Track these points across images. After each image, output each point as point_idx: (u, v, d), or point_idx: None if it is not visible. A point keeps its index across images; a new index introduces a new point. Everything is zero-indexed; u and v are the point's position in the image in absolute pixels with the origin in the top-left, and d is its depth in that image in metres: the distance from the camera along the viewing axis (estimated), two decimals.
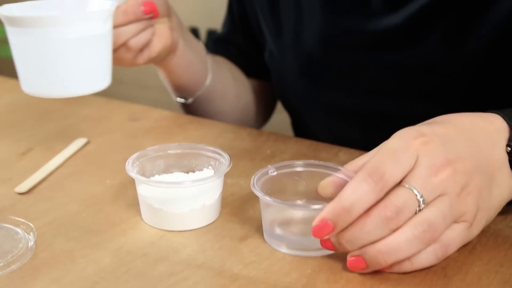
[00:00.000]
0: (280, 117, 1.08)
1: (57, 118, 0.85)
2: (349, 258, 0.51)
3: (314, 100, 0.84)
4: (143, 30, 0.73)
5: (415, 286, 0.51)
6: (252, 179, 0.57)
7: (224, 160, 0.61)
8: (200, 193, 0.58)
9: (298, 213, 0.57)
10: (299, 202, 0.60)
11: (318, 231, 0.50)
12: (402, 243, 0.49)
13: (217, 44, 0.96)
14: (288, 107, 0.92)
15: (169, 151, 0.64)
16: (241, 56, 0.95)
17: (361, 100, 0.80)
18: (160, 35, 0.75)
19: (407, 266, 0.51)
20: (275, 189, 0.58)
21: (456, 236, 0.51)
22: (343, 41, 0.79)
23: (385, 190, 0.50)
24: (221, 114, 0.89)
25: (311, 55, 0.82)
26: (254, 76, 0.96)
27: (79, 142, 0.76)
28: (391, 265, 0.51)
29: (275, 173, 0.59)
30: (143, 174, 0.61)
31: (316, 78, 0.82)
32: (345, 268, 0.53)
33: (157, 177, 0.62)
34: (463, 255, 0.55)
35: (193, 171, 0.63)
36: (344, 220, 0.50)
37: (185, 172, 0.63)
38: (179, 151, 0.64)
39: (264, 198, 0.55)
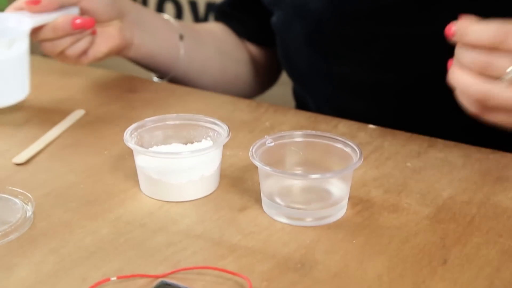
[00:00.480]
0: (281, 90, 1.07)
1: (55, 90, 0.85)
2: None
3: (319, 70, 0.83)
4: (78, 40, 0.76)
5: (414, 257, 0.51)
6: (250, 149, 0.56)
7: (223, 131, 0.61)
8: (199, 164, 0.58)
9: (297, 183, 0.57)
10: (297, 172, 0.59)
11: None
12: None
13: (219, 10, 0.95)
14: (291, 75, 0.91)
15: (167, 122, 0.63)
16: (243, 23, 0.94)
17: (368, 72, 0.79)
18: (107, 37, 0.78)
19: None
20: (273, 160, 0.58)
21: None
22: (354, 10, 0.78)
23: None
24: (203, 88, 0.88)
25: (319, 23, 0.81)
26: (257, 43, 0.95)
27: (77, 114, 0.76)
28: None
29: (273, 143, 0.59)
30: (141, 145, 0.61)
31: (323, 47, 0.81)
32: (344, 239, 0.53)
33: (155, 148, 0.62)
34: (462, 226, 0.55)
35: (192, 142, 0.63)
36: None
37: (183, 143, 0.63)
38: (177, 122, 0.63)
39: (263, 168, 0.54)
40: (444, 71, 0.75)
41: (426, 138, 0.70)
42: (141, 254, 0.51)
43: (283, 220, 0.55)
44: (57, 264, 0.50)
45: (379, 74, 0.79)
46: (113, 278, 0.48)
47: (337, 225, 0.55)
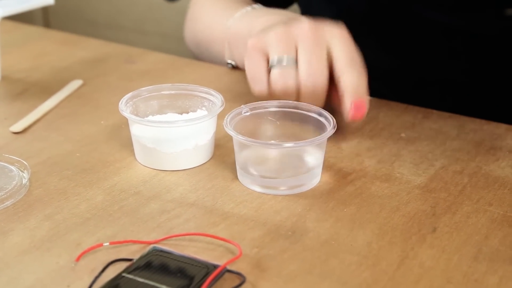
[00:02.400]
0: None
1: (53, 60, 0.85)
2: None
3: None
4: None
5: (404, 225, 0.51)
6: (225, 118, 0.57)
7: (217, 101, 0.61)
8: (193, 133, 0.59)
9: (271, 152, 0.57)
10: (273, 141, 0.60)
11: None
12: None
13: None
14: None
15: (162, 92, 0.64)
16: None
17: (397, 60, 0.78)
18: None
19: None
20: (249, 129, 0.58)
21: None
22: None
23: None
24: None
25: (351, 3, 0.80)
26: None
27: (75, 84, 0.76)
28: None
29: (249, 113, 0.59)
30: (136, 114, 0.61)
31: (352, 30, 0.81)
32: (335, 207, 0.54)
33: (150, 118, 0.62)
34: (453, 195, 0.55)
35: (187, 112, 0.63)
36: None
37: (178, 113, 0.63)
38: (172, 92, 0.64)
39: (237, 138, 0.55)
40: (476, 65, 0.74)
41: (421, 109, 0.70)
42: (134, 221, 0.52)
43: (257, 189, 0.56)
44: (52, 230, 0.50)
45: (408, 62, 0.78)
46: (106, 244, 0.48)
47: (328, 194, 0.55)
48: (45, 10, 1.84)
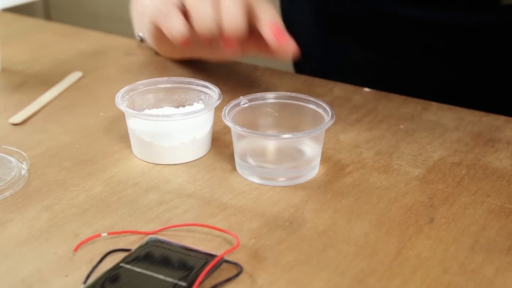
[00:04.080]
0: None
1: (53, 52, 0.85)
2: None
3: (329, 51, 0.82)
4: None
5: (401, 216, 0.51)
6: (223, 110, 0.57)
7: (214, 94, 0.61)
8: (190, 127, 0.59)
9: (269, 143, 0.57)
10: (271, 132, 0.60)
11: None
12: None
13: None
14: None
15: (158, 85, 0.63)
16: None
17: (376, 54, 0.78)
18: None
19: None
20: (247, 120, 0.58)
21: None
22: None
23: None
24: None
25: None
26: None
27: (74, 76, 0.76)
28: None
29: (247, 104, 0.59)
30: (133, 108, 0.61)
31: (331, 26, 0.81)
32: (333, 198, 0.54)
33: (147, 111, 0.62)
34: (451, 187, 0.55)
35: (184, 106, 0.63)
36: None
37: (175, 107, 0.63)
38: (168, 85, 0.64)
39: (235, 129, 0.55)
40: (455, 59, 0.74)
41: (420, 101, 0.70)
42: (132, 212, 0.52)
43: (256, 180, 0.56)
44: (50, 221, 0.51)
45: (389, 57, 0.78)
46: (104, 234, 0.49)
47: (326, 186, 0.55)
48: (45, 2, 1.84)
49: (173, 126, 0.58)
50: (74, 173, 0.57)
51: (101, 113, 0.68)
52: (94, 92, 0.73)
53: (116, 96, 0.60)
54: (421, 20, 0.75)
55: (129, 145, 0.61)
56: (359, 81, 0.79)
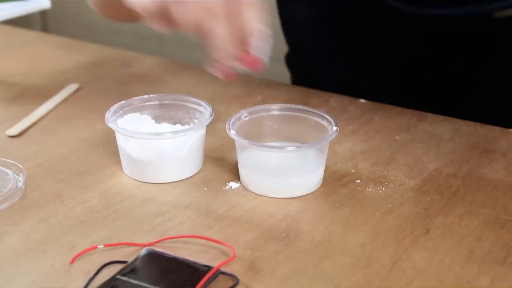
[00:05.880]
0: (278, 67, 1.07)
1: (50, 64, 0.85)
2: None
3: (326, 50, 0.82)
4: None
5: (397, 227, 0.51)
6: (227, 123, 0.57)
7: (207, 111, 0.61)
8: (180, 145, 0.58)
9: (273, 155, 0.58)
10: (273, 144, 0.60)
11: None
12: None
13: None
14: (295, 51, 0.90)
15: (154, 102, 0.63)
16: None
17: (379, 54, 0.79)
18: None
19: None
20: (251, 133, 0.58)
21: None
22: None
23: None
24: None
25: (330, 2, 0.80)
26: None
27: (71, 88, 0.76)
28: None
29: (248, 117, 0.59)
30: (127, 125, 0.60)
31: (332, 26, 0.80)
32: (329, 209, 0.54)
33: (138, 129, 0.60)
34: (446, 198, 0.55)
35: (180, 123, 0.63)
36: None
37: (172, 123, 0.63)
38: (165, 102, 0.63)
39: (240, 141, 0.55)
40: (458, 60, 0.74)
41: (416, 112, 0.71)
42: (129, 224, 0.52)
43: (261, 191, 0.56)
44: (47, 233, 0.51)
45: (390, 57, 0.78)
46: (100, 246, 0.49)
47: (323, 197, 0.56)
48: (43, 14, 1.84)
49: (165, 144, 0.58)
50: (71, 185, 0.57)
51: (98, 125, 0.68)
52: (91, 104, 0.73)
53: (107, 113, 0.59)
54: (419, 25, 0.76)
55: None
56: (363, 85, 0.79)
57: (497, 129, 0.67)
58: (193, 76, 0.82)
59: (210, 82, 0.80)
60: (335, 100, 0.75)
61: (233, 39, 0.54)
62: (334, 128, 0.57)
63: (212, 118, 0.59)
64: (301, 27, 0.84)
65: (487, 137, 0.65)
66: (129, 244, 0.49)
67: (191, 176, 0.59)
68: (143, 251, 0.48)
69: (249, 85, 0.79)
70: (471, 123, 0.68)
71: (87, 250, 0.48)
